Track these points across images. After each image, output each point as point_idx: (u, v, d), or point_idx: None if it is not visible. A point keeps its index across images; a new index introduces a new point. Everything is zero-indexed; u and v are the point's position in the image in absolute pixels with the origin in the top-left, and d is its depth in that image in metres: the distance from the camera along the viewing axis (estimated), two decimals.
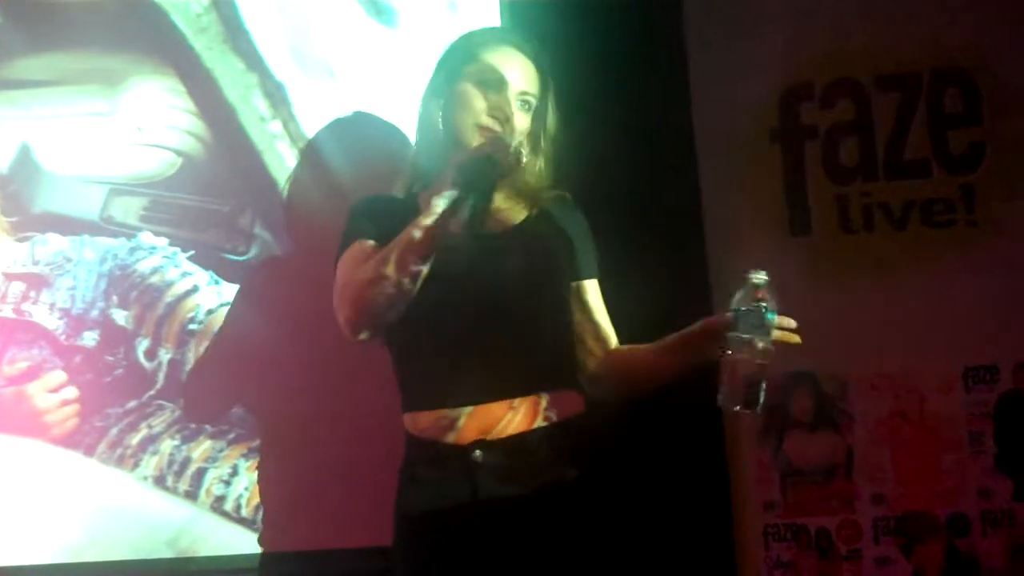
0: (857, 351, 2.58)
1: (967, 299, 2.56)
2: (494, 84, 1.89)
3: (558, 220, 1.94)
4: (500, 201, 1.90)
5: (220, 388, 2.61)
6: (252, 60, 2.72)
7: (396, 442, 1.92)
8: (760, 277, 1.78)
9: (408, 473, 1.89)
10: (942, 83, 2.63)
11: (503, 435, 1.82)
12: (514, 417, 1.83)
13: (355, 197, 2.02)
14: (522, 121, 1.90)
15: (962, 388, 2.57)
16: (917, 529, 2.57)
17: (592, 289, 1.96)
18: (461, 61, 1.93)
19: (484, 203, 1.74)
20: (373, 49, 2.68)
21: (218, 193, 2.69)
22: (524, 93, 1.91)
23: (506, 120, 1.88)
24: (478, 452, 1.81)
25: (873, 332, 2.58)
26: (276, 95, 2.70)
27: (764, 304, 1.77)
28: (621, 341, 1.99)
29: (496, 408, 1.82)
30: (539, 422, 1.84)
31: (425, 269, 1.77)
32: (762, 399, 1.79)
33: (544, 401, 1.85)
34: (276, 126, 2.69)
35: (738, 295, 1.79)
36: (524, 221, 1.93)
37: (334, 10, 2.73)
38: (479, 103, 1.89)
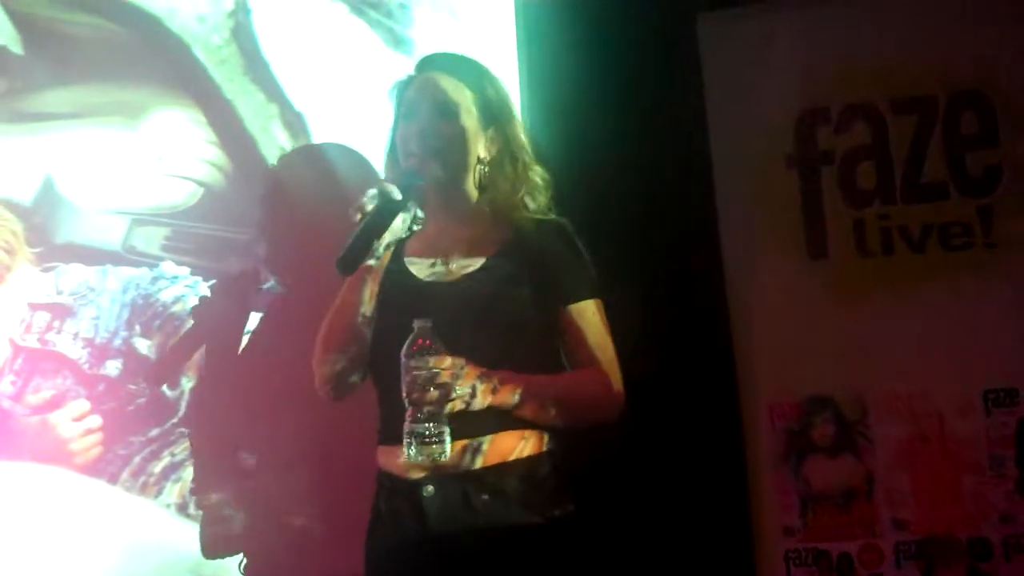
0: (876, 375, 2.57)
1: (986, 322, 2.54)
2: (410, 114, 1.94)
3: (535, 249, 1.90)
4: (474, 226, 1.91)
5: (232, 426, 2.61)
6: (272, 91, 2.75)
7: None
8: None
9: (374, 511, 1.90)
10: (958, 106, 2.62)
11: (455, 471, 1.81)
12: (476, 457, 1.82)
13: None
14: (452, 128, 1.91)
15: (982, 411, 2.55)
16: (939, 553, 2.54)
17: (581, 313, 1.91)
18: (394, 107, 1.99)
19: (378, 236, 1.80)
20: (391, 79, 2.70)
21: (239, 222, 2.72)
22: (440, 103, 1.92)
23: (422, 136, 1.90)
24: (429, 487, 1.81)
25: (892, 355, 2.56)
26: (296, 125, 2.73)
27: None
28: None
29: (455, 447, 1.79)
30: (511, 458, 1.83)
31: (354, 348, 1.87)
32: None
33: (487, 442, 1.83)
34: None
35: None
36: (497, 254, 1.90)
37: (353, 41, 2.76)
38: (401, 137, 1.94)
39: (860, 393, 2.58)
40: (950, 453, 2.55)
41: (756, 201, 2.66)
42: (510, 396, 1.81)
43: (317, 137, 2.73)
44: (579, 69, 2.66)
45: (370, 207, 1.82)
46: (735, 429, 2.58)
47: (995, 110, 2.60)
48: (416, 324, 1.75)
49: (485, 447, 1.82)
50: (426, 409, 1.73)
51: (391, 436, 1.86)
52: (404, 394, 1.74)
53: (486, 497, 1.81)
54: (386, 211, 1.82)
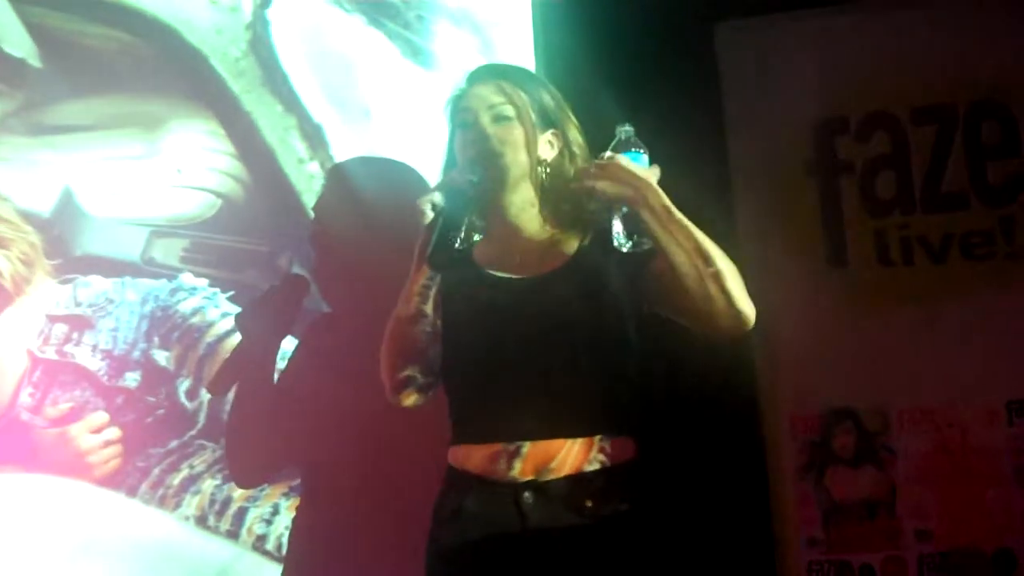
0: (898, 385, 2.56)
1: (1008, 332, 2.53)
2: (466, 123, 1.94)
3: (601, 257, 1.89)
4: (544, 232, 1.92)
5: (269, 449, 2.49)
6: (290, 102, 2.75)
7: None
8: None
9: (448, 508, 1.87)
10: (979, 115, 2.61)
11: (556, 474, 1.81)
12: (567, 457, 1.82)
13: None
14: (507, 133, 1.91)
15: (1006, 422, 2.54)
16: (964, 565, 2.52)
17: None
18: (449, 120, 1.98)
19: (456, 230, 1.81)
20: (410, 90, 2.71)
21: (257, 234, 2.72)
22: (492, 107, 1.92)
23: (478, 142, 1.90)
24: (527, 493, 1.81)
25: (913, 366, 2.55)
26: (314, 137, 2.74)
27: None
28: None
29: (550, 445, 1.82)
30: (591, 464, 1.83)
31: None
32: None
33: (597, 443, 1.84)
34: (314, 167, 2.73)
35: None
36: (578, 251, 1.91)
37: (371, 52, 2.76)
38: (460, 145, 1.94)
39: (882, 404, 2.57)
40: (973, 464, 2.53)
41: (775, 211, 2.66)
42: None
43: (336, 149, 2.73)
44: (597, 79, 2.65)
45: (440, 202, 1.83)
46: (757, 441, 2.57)
47: (1016, 119, 2.59)
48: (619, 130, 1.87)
49: (525, 450, 1.82)
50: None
51: (475, 435, 1.86)
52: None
53: (589, 503, 1.81)
54: (459, 204, 1.82)
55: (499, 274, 1.91)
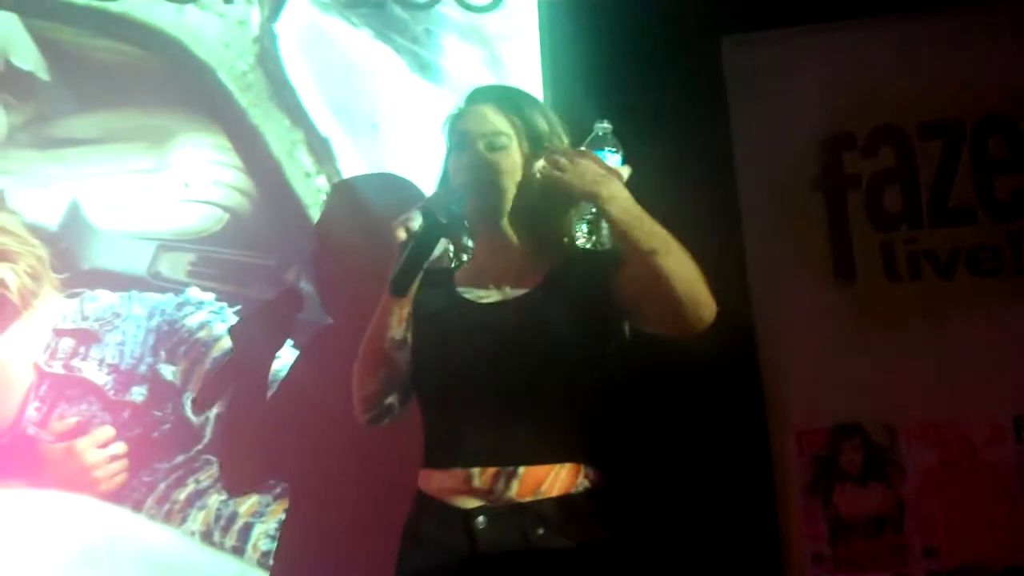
0: (905, 401, 2.56)
1: (1016, 347, 2.53)
2: (461, 145, 1.96)
3: (584, 272, 1.90)
4: (514, 261, 1.92)
5: (260, 457, 2.59)
6: (297, 116, 2.75)
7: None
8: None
9: (411, 532, 1.89)
10: (985, 130, 2.62)
11: (512, 500, 1.81)
12: (525, 482, 1.81)
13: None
14: (502, 160, 1.92)
15: (1013, 438, 2.53)
16: None
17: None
18: (446, 139, 2.00)
19: (427, 255, 1.84)
20: (417, 104, 2.71)
21: (264, 248, 2.72)
22: (490, 135, 1.94)
23: (472, 168, 1.92)
24: (480, 517, 1.81)
25: (921, 381, 2.55)
26: (321, 150, 2.74)
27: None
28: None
29: (507, 472, 1.81)
30: (548, 491, 1.82)
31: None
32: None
33: (555, 471, 1.83)
34: (322, 181, 2.73)
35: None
36: (548, 279, 1.91)
37: (378, 66, 2.76)
38: (453, 168, 1.96)
39: (889, 420, 2.57)
40: (981, 481, 2.53)
41: (782, 225, 2.66)
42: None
43: (343, 162, 2.74)
44: (603, 94, 2.65)
45: (416, 227, 1.85)
46: (764, 456, 2.57)
47: (1023, 134, 2.59)
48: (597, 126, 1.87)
49: (520, 472, 1.82)
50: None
51: (436, 459, 1.87)
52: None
53: (541, 531, 1.80)
54: (433, 231, 1.85)
55: (469, 296, 1.92)
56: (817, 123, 2.68)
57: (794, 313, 2.61)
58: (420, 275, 1.86)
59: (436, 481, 1.87)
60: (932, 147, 2.64)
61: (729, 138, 2.67)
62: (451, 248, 1.99)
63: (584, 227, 1.95)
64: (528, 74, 2.70)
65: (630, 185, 1.90)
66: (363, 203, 2.59)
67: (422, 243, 1.84)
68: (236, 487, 2.57)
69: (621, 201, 1.84)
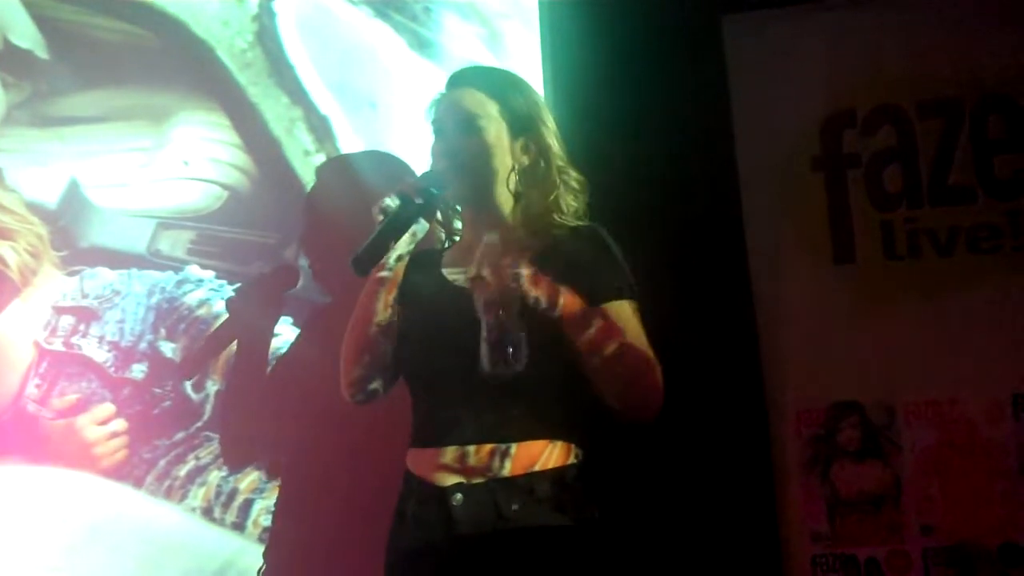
0: (904, 379, 2.56)
1: (1014, 325, 2.53)
2: (439, 131, 1.97)
3: (568, 256, 1.89)
4: (509, 237, 1.90)
5: (258, 432, 2.61)
6: (296, 94, 2.75)
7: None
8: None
9: (398, 511, 1.90)
10: (985, 109, 2.61)
11: (497, 476, 1.82)
12: (503, 460, 1.82)
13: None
14: (477, 145, 1.92)
15: (1012, 416, 2.53)
16: (968, 560, 2.52)
17: (618, 312, 1.87)
18: (430, 123, 1.99)
19: (397, 237, 1.85)
20: (416, 82, 2.70)
21: (264, 226, 2.72)
22: (466, 119, 1.93)
23: (448, 154, 1.92)
24: (458, 495, 1.82)
25: (920, 360, 2.55)
26: (321, 129, 2.73)
27: None
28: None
29: (482, 449, 1.83)
30: (528, 468, 1.83)
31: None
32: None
33: (534, 447, 1.84)
34: (321, 159, 2.72)
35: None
36: (537, 258, 1.87)
37: (377, 44, 2.76)
38: (433, 155, 1.96)
39: (887, 398, 2.57)
40: (979, 458, 2.53)
41: (782, 204, 2.66)
42: (555, 293, 1.80)
43: (342, 140, 2.73)
44: (603, 74, 2.65)
45: (391, 208, 1.85)
46: (762, 434, 2.57)
47: (1023, 114, 2.58)
48: (485, 239, 1.79)
49: (513, 451, 1.83)
50: (495, 314, 1.73)
51: (423, 439, 1.89)
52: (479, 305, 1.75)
53: (516, 507, 1.81)
54: (405, 214, 1.86)
55: (453, 277, 1.93)
56: (818, 102, 2.67)
57: (794, 292, 2.60)
58: (384, 255, 1.85)
59: (420, 460, 1.88)
60: (932, 126, 2.63)
61: (729, 116, 2.66)
62: (441, 230, 1.99)
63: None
64: (528, 52, 2.69)
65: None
66: (353, 180, 2.60)
67: (392, 224, 1.85)
68: (235, 462, 2.58)
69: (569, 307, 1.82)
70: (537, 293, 1.78)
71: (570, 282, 1.85)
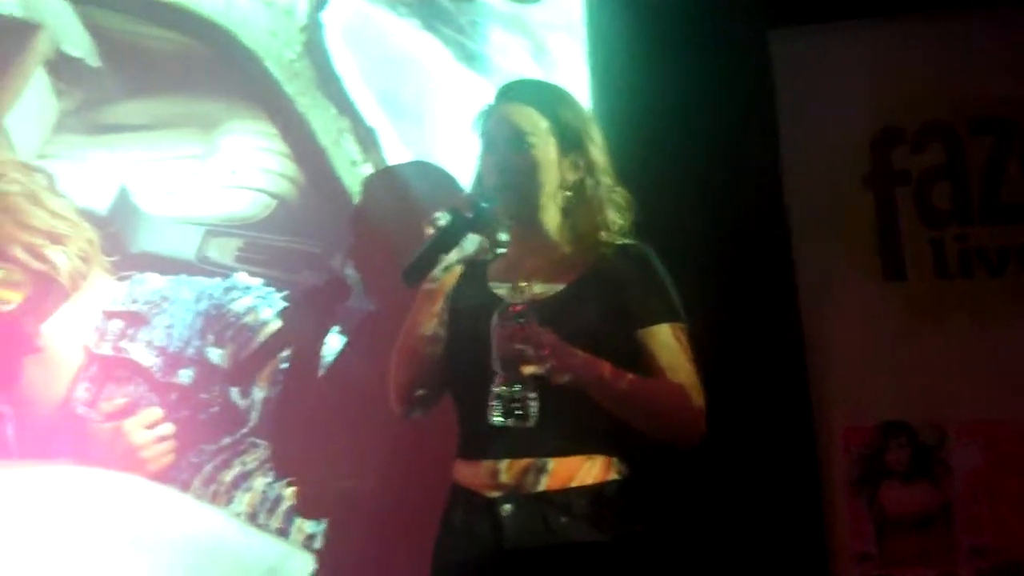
0: (954, 399, 2.53)
1: None
2: (489, 146, 1.97)
3: (614, 276, 1.90)
4: (544, 260, 1.93)
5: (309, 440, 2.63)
6: (343, 105, 2.76)
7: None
8: None
9: (445, 521, 1.91)
10: None
11: (533, 491, 1.83)
12: (553, 473, 1.83)
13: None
14: (529, 161, 1.93)
15: None
16: None
17: (653, 336, 1.89)
18: (479, 136, 2.00)
19: (445, 251, 1.88)
20: (463, 94, 2.71)
21: (311, 235, 2.73)
22: (517, 136, 1.93)
23: (498, 171, 1.93)
24: (507, 506, 1.83)
25: (970, 380, 2.52)
26: (367, 139, 2.74)
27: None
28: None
29: (517, 465, 1.84)
30: (575, 482, 1.84)
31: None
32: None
33: (580, 462, 1.85)
34: (368, 169, 2.74)
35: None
36: (576, 282, 1.91)
37: (424, 56, 2.77)
38: (484, 169, 1.97)
39: (937, 418, 2.55)
40: None
41: (831, 222, 2.64)
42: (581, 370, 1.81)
43: (388, 151, 2.74)
44: (650, 89, 2.65)
45: (442, 223, 1.88)
46: (810, 454, 2.56)
47: None
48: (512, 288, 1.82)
49: (550, 467, 1.83)
50: (512, 370, 1.75)
51: (470, 451, 1.89)
52: (494, 357, 1.77)
53: (564, 519, 1.81)
54: (455, 228, 1.89)
55: (499, 291, 1.92)
56: (867, 119, 2.66)
57: (843, 310, 2.59)
58: (434, 267, 1.88)
59: (467, 472, 1.89)
60: (982, 143, 2.61)
61: (777, 133, 2.65)
62: (487, 242, 1.99)
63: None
64: (574, 64, 2.70)
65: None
66: (399, 192, 2.61)
67: (443, 238, 1.88)
68: (285, 469, 2.59)
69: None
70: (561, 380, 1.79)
71: (615, 303, 1.87)
